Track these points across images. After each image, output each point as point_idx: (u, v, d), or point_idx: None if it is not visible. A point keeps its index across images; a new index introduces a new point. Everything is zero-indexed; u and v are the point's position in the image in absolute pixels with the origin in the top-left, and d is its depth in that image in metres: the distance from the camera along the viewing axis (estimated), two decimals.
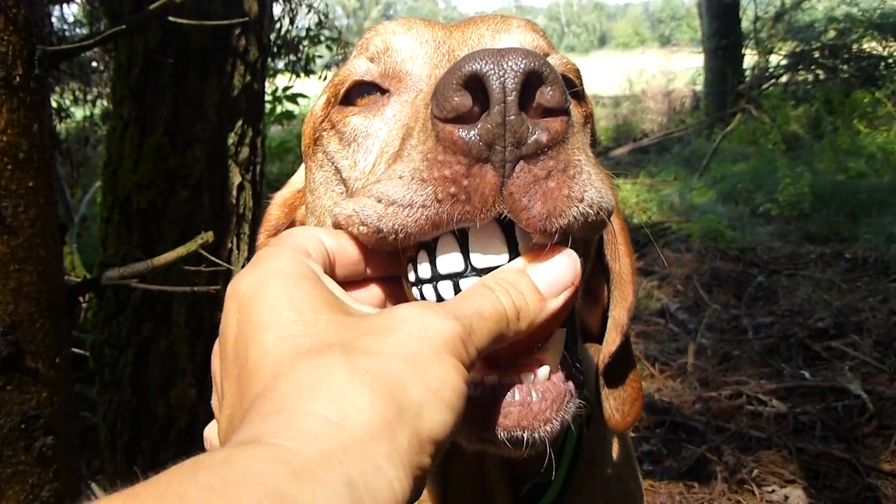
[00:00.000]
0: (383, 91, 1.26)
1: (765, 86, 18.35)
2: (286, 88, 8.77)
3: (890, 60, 17.71)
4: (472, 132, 0.90)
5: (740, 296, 7.42)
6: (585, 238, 1.02)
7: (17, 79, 1.59)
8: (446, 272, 0.99)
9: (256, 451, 0.59)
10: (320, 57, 9.17)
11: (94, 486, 2.14)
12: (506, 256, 0.99)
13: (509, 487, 1.46)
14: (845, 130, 13.85)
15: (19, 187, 1.60)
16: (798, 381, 5.54)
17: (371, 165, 1.19)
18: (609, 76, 27.05)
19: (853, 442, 4.68)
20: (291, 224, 1.58)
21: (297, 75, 8.62)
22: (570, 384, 1.02)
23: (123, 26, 1.91)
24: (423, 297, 1.01)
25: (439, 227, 0.94)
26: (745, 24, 18.85)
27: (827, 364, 5.77)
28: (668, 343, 6.56)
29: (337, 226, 1.05)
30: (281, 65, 8.73)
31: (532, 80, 0.90)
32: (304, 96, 8.96)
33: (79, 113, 8.65)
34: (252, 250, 3.42)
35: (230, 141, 3.22)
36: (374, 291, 1.07)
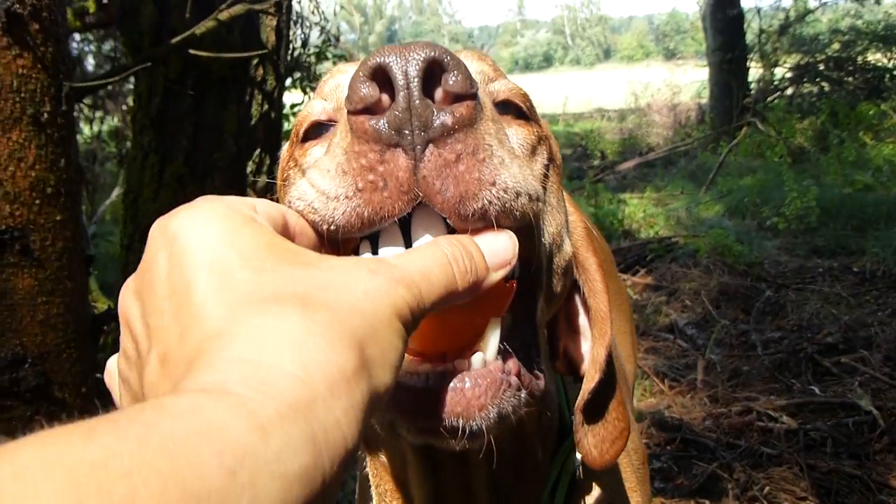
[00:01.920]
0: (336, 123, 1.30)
1: (770, 99, 18.37)
2: (293, 106, 8.81)
3: (895, 72, 17.71)
4: (382, 120, 0.94)
5: (749, 311, 7.41)
6: (512, 226, 1.03)
7: (45, 115, 1.62)
8: None
9: (222, 402, 0.58)
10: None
11: None
12: None
13: None
14: (851, 143, 13.83)
15: (47, 221, 1.64)
16: (808, 396, 5.55)
17: None
18: (614, 90, 27.06)
19: (864, 458, 4.68)
20: None
21: (305, 92, 8.66)
22: (511, 376, 1.03)
23: (148, 63, 1.95)
24: None
25: (363, 221, 0.97)
26: (750, 36, 18.88)
27: (837, 379, 5.77)
28: (677, 359, 6.56)
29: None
30: (289, 82, 8.77)
31: (435, 69, 0.95)
32: None
33: (87, 130, 8.70)
34: None
35: (248, 169, 3.26)
36: None
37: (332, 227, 0.99)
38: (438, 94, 0.96)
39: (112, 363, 0.95)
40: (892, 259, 8.27)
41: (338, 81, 1.33)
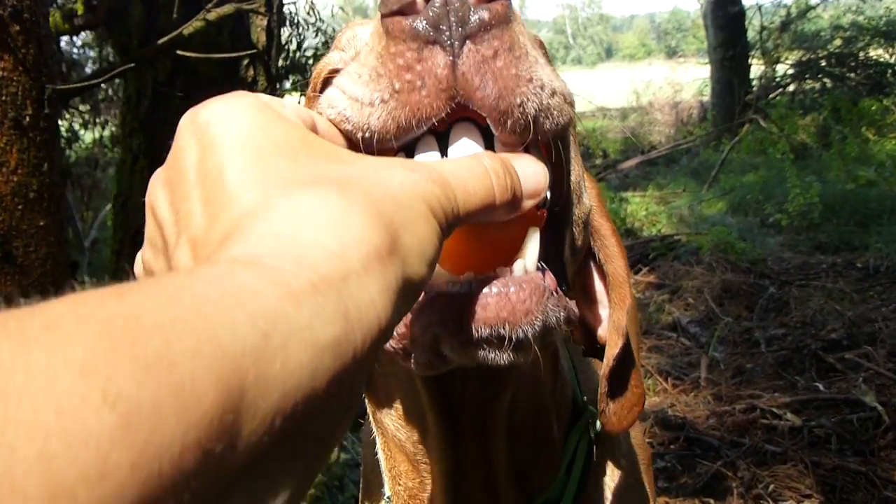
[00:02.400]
0: None
1: (772, 95, 18.36)
2: None
3: None
4: (419, 18, 0.93)
5: (752, 308, 7.38)
6: (550, 136, 1.02)
7: (27, 119, 1.60)
8: None
9: (256, 270, 0.57)
10: None
11: None
12: None
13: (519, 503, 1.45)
14: (854, 139, 13.81)
15: (30, 227, 1.61)
16: (812, 393, 5.52)
17: None
18: (616, 88, 27.06)
19: (869, 455, 4.65)
20: None
21: (303, 94, 8.66)
22: (550, 283, 1.01)
23: (132, 64, 1.93)
24: None
25: (400, 125, 0.96)
26: (751, 33, 18.87)
27: (841, 376, 5.74)
28: (680, 357, 6.53)
29: None
30: (288, 84, 8.77)
31: None
32: None
33: (88, 136, 8.69)
34: None
35: None
36: None
37: (367, 134, 0.97)
38: None
39: (141, 256, 0.91)
40: (895, 254, 8.23)
41: (355, 32, 1.32)
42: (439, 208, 0.77)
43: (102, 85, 7.32)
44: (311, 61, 7.93)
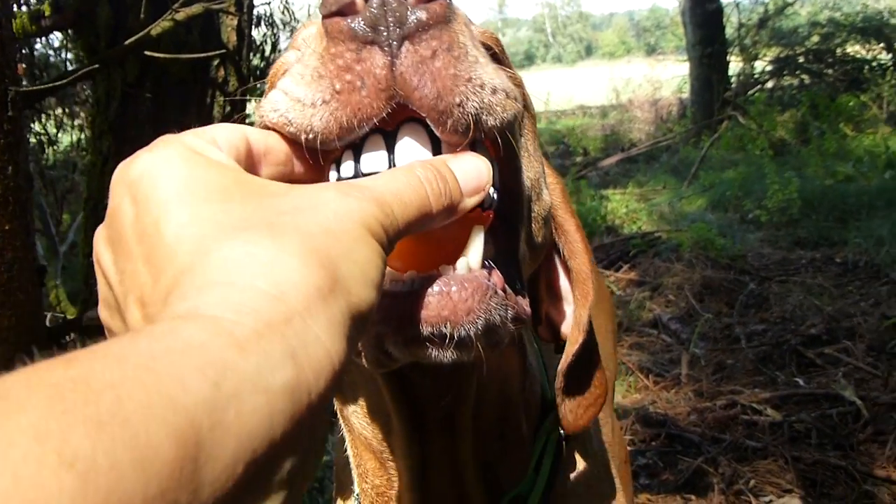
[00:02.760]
0: None
1: (751, 92, 18.45)
2: None
3: (874, 64, 17.84)
4: (357, 18, 0.95)
5: (732, 304, 7.41)
6: (494, 126, 1.02)
7: None
8: (369, 171, 1.00)
9: (198, 323, 0.58)
10: None
11: None
12: (430, 156, 1.01)
13: (487, 501, 1.44)
14: (832, 134, 13.91)
15: None
16: (792, 388, 5.54)
17: None
18: (596, 86, 27.14)
19: (849, 449, 4.67)
20: None
21: None
22: (495, 281, 1.02)
23: (97, 65, 1.90)
24: None
25: (342, 125, 0.96)
26: (730, 31, 18.95)
27: (821, 371, 5.77)
28: (661, 354, 6.55)
29: (263, 127, 1.05)
30: (259, 86, 8.74)
31: None
32: None
33: (65, 139, 8.63)
34: None
35: None
36: None
37: (311, 136, 0.97)
38: None
39: (103, 314, 0.92)
40: (874, 249, 8.29)
41: (311, 31, 1.29)
42: (378, 226, 0.78)
43: (77, 87, 7.26)
44: None
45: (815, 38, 18.95)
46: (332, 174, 1.05)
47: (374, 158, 1.02)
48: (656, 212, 11.18)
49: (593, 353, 1.48)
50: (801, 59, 18.68)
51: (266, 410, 0.55)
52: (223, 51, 2.98)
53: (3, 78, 1.62)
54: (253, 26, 3.71)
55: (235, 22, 3.03)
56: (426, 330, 0.94)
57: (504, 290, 1.03)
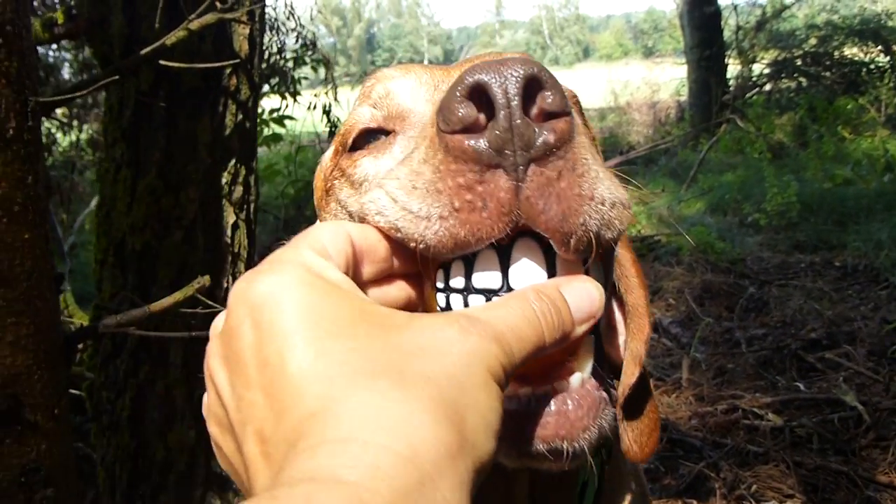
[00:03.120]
0: (388, 133, 1.28)
1: (749, 95, 18.46)
2: (273, 111, 8.76)
3: (871, 66, 17.86)
4: (481, 140, 0.92)
5: (732, 308, 7.43)
6: (607, 246, 1.01)
7: (11, 131, 1.59)
8: (481, 287, 0.99)
9: (334, 491, 0.58)
10: (305, 78, 9.19)
11: None
12: (545, 277, 0.99)
13: None
14: (830, 137, 13.93)
15: (15, 240, 1.60)
16: (793, 393, 5.56)
17: None
18: (593, 88, 27.16)
19: (850, 454, 4.69)
20: None
21: (284, 98, 8.62)
22: (603, 392, 1.01)
23: (116, 76, 1.92)
24: (448, 306, 1.02)
25: (458, 242, 0.94)
26: (727, 33, 18.96)
27: (821, 375, 5.79)
28: (662, 358, 6.57)
29: (360, 219, 1.06)
30: (267, 87, 8.74)
31: (532, 86, 0.92)
32: (291, 118, 8.94)
33: (65, 140, 8.62)
34: None
35: (223, 180, 3.24)
36: (401, 288, 1.05)
37: (422, 246, 0.96)
38: (533, 110, 0.93)
39: (205, 407, 0.93)
40: (872, 253, 8.32)
41: (387, 88, 1.31)
42: (499, 367, 0.77)
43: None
44: (290, 64, 7.90)
45: (813, 41, 18.96)
46: (440, 283, 1.03)
47: (487, 277, 0.99)
48: (655, 215, 11.19)
49: (647, 383, 1.48)
50: (799, 62, 18.70)
51: None
52: (236, 60, 2.99)
53: (23, 88, 1.64)
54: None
55: (247, 31, 3.05)
56: (543, 447, 0.94)
57: (607, 400, 1.02)
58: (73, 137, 8.33)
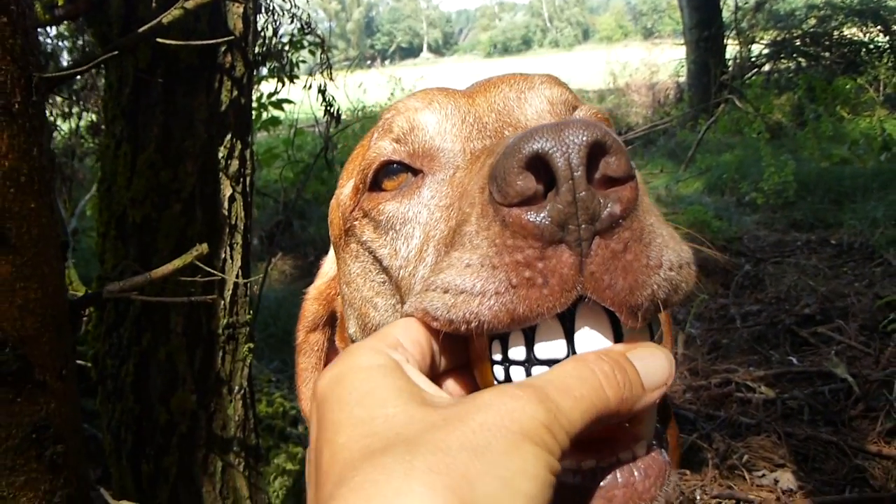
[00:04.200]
0: (414, 172, 1.23)
1: (748, 75, 18.44)
2: (271, 94, 8.77)
3: (871, 46, 17.83)
4: (542, 214, 0.86)
5: (728, 285, 7.51)
6: (678, 302, 0.96)
7: (16, 106, 1.66)
8: (545, 358, 0.92)
9: None
10: (303, 62, 9.20)
11: (102, 490, 2.22)
12: (610, 345, 0.93)
13: None
14: (828, 118, 13.94)
15: (22, 209, 1.68)
16: (786, 367, 5.65)
17: (416, 251, 1.15)
18: (593, 70, 27.10)
19: (840, 425, 4.78)
20: (332, 315, 1.57)
21: (282, 81, 8.64)
22: (667, 457, 0.96)
23: (116, 52, 1.99)
24: (508, 379, 0.94)
25: (515, 316, 0.88)
26: (726, 14, 18.91)
27: (814, 349, 5.88)
28: None
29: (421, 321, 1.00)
30: (265, 71, 8.75)
31: (595, 151, 0.86)
32: (289, 101, 8.96)
33: (65, 127, 8.66)
34: (245, 261, 3.51)
35: (220, 155, 3.32)
36: (449, 386, 1.01)
37: (475, 324, 0.90)
38: (596, 175, 0.87)
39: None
40: (868, 231, 8.38)
41: (411, 122, 1.25)
42: (540, 428, 0.74)
43: (82, 74, 7.33)
44: (286, 48, 7.93)
45: (812, 21, 18.93)
46: (497, 355, 0.95)
47: (551, 347, 0.93)
48: (653, 195, 11.21)
49: (668, 404, 1.48)
50: (798, 43, 18.67)
51: None
52: (231, 37, 3.06)
53: (27, 64, 1.71)
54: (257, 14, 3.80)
55: (241, 9, 3.12)
56: None
57: (665, 448, 0.99)
58: (73, 125, 8.37)
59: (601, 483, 0.89)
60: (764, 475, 4.42)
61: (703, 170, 12.32)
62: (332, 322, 1.59)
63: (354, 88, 12.20)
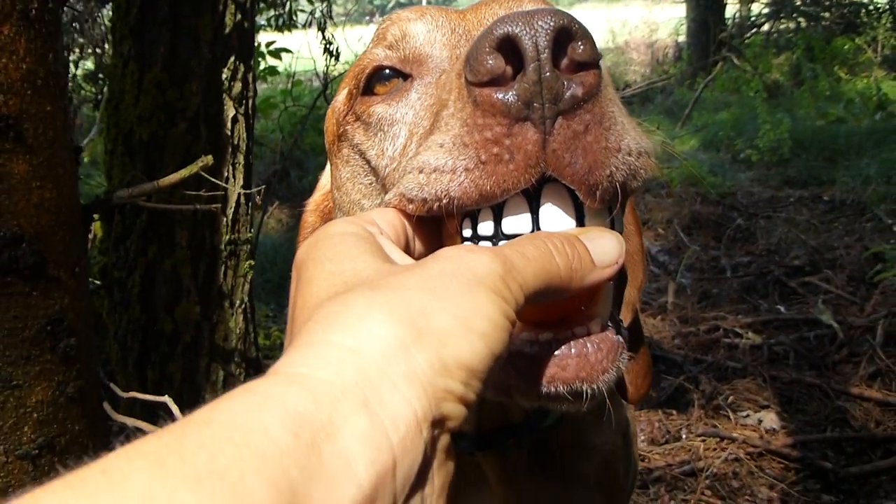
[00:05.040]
0: (405, 77, 1.28)
1: (747, 35, 18.37)
2: (269, 44, 8.75)
3: (870, 7, 17.74)
4: (510, 93, 0.92)
5: (720, 238, 7.57)
6: (637, 189, 1.02)
7: (34, 11, 1.72)
8: (512, 233, 0.99)
9: (276, 379, 0.63)
10: (302, 11, 9.17)
11: (112, 385, 2.31)
12: (573, 224, 0.99)
13: None
14: (826, 77, 13.92)
15: (38, 111, 1.74)
16: (773, 314, 5.74)
17: (401, 149, 1.21)
18: (593, 28, 26.79)
19: (824, 369, 4.88)
20: None
21: (280, 30, 8.63)
22: (620, 336, 1.01)
23: None
24: None
25: (483, 192, 0.95)
26: None
27: (801, 299, 5.97)
28: (648, 283, 6.70)
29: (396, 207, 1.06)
30: (263, 21, 8.73)
31: (562, 38, 0.91)
32: (287, 51, 8.94)
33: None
34: (247, 181, 3.59)
35: (224, 76, 3.40)
36: None
37: (446, 201, 0.97)
38: (563, 61, 0.92)
39: None
40: (860, 188, 8.45)
41: (403, 30, 1.30)
42: (497, 279, 0.78)
43: (76, 22, 7.32)
44: None
45: None
46: (467, 231, 1.02)
47: (518, 221, 0.99)
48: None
49: (640, 328, 1.53)
50: (798, 2, 18.58)
51: (343, 456, 0.59)
52: None
53: None
54: None
55: None
56: (563, 389, 0.95)
57: (623, 343, 1.04)
58: (72, 73, 8.38)
59: (556, 353, 0.95)
60: (748, 415, 4.52)
61: (699, 127, 12.32)
62: None
63: (354, 42, 12.17)
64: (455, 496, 0.76)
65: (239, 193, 3.45)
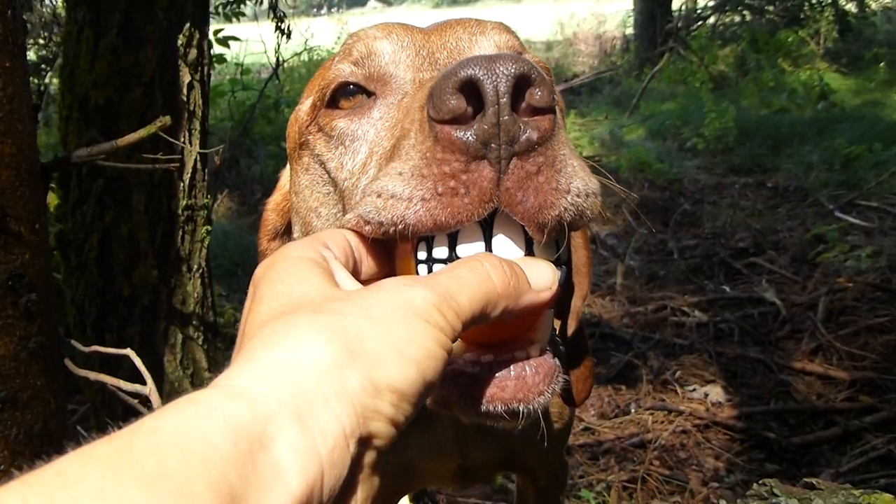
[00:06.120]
0: (368, 94, 1.34)
1: (693, 28, 18.59)
2: (217, 31, 8.69)
3: (814, 1, 18.06)
4: (469, 132, 0.97)
5: (667, 222, 7.70)
6: (581, 227, 1.09)
7: None
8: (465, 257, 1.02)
9: (218, 392, 0.67)
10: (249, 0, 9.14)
11: (73, 342, 2.31)
12: (522, 255, 1.05)
13: None
14: (770, 69, 14.18)
15: None
16: (719, 294, 5.87)
17: (360, 165, 1.26)
18: (541, 21, 27.07)
19: (768, 345, 5.01)
20: (288, 225, 1.67)
21: (229, 20, 8.61)
22: (557, 361, 1.08)
23: None
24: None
25: (438, 222, 1.00)
26: None
27: (746, 279, 6.11)
28: (597, 266, 6.80)
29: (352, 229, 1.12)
30: (211, 9, 8.68)
31: (521, 83, 0.97)
32: (236, 39, 8.90)
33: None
34: (203, 147, 3.60)
35: (179, 42, 3.41)
36: None
37: (402, 226, 1.02)
38: (521, 104, 0.98)
39: None
40: (803, 175, 8.65)
41: (369, 48, 1.36)
42: (431, 309, 0.83)
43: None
44: None
45: None
46: (421, 254, 1.06)
47: (470, 248, 1.04)
48: (598, 139, 11.39)
49: (583, 335, 1.61)
50: None
51: (277, 465, 0.64)
52: None
53: None
54: None
55: None
56: (501, 408, 1.01)
57: (561, 367, 1.10)
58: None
59: (497, 374, 1.02)
60: (695, 389, 4.63)
61: (646, 116, 12.48)
62: (289, 231, 1.69)
63: (301, 34, 12.18)
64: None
65: (195, 159, 3.46)
